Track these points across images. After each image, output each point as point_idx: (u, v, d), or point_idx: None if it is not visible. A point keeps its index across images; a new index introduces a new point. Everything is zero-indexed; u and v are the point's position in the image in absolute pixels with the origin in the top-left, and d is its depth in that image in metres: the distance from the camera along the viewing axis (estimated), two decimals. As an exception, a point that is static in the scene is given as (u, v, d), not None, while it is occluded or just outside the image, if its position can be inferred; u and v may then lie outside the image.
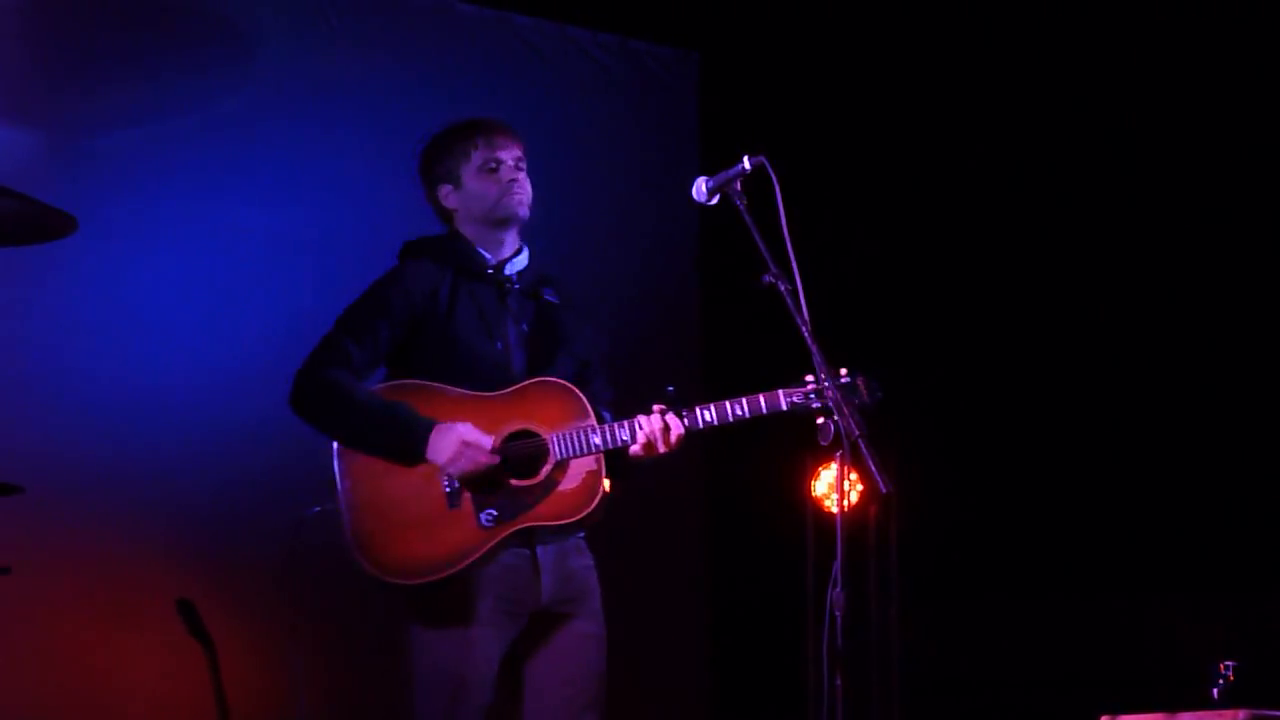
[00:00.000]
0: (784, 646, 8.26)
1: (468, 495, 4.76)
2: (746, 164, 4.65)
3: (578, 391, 4.86)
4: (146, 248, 6.80)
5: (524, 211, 5.02)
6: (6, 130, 6.53)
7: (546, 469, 4.79)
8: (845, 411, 4.40)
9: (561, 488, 4.81)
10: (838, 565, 4.37)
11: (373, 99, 7.38)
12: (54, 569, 6.42)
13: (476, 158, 5.03)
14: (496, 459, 4.74)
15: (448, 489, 4.76)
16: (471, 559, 4.74)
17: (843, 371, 4.65)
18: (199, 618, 6.07)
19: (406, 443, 4.76)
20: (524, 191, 5.03)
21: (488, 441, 4.74)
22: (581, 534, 4.99)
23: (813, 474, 8.06)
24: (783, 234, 4.53)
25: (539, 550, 4.86)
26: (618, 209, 7.97)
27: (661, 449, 4.78)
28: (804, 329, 4.48)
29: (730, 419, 4.79)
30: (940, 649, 8.55)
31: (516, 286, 5.04)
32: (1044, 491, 8.47)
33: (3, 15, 6.56)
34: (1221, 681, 5.80)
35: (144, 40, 6.87)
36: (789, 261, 4.52)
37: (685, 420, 4.79)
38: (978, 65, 8.49)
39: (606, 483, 4.82)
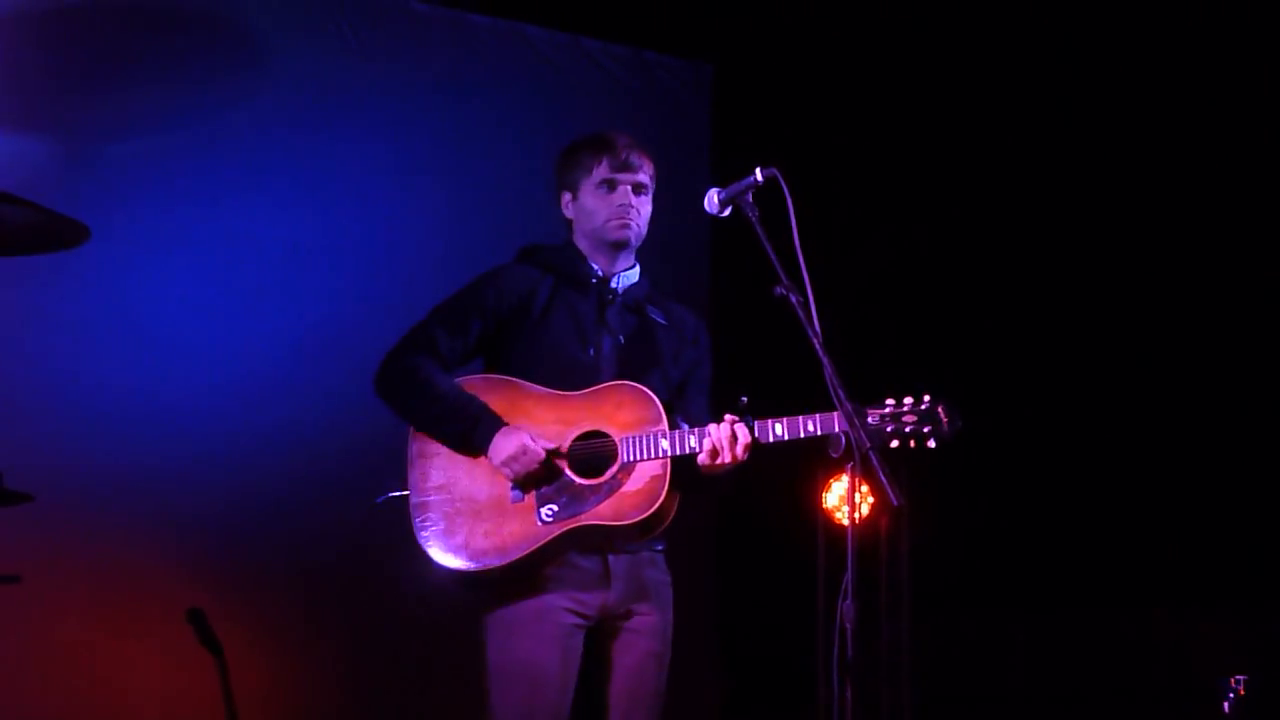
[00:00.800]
0: (795, 658, 8.25)
1: (532, 490, 4.82)
2: (758, 175, 4.66)
3: (654, 396, 4.86)
4: (158, 257, 6.80)
5: (630, 237, 5.06)
6: (20, 139, 6.54)
7: (612, 470, 4.82)
8: (857, 424, 4.40)
9: (625, 489, 4.83)
10: (849, 577, 4.36)
11: (385, 110, 7.39)
12: (64, 577, 6.42)
13: (597, 174, 5.05)
14: (545, 468, 4.80)
15: (513, 482, 4.84)
16: (527, 551, 4.80)
17: (925, 398, 4.69)
18: (209, 626, 6.06)
19: (473, 436, 4.85)
20: (635, 219, 5.06)
21: (542, 450, 4.80)
22: (660, 548, 5.04)
23: (824, 486, 8.06)
24: (794, 246, 4.53)
25: (610, 558, 4.90)
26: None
27: (727, 458, 4.77)
28: (815, 341, 4.47)
29: (801, 434, 4.77)
30: (950, 661, 8.54)
31: (619, 299, 5.07)
32: (1055, 504, 8.46)
33: (16, 25, 6.57)
34: (1232, 696, 5.80)
35: (156, 50, 6.87)
36: (801, 273, 4.52)
37: (755, 432, 4.78)
38: (991, 77, 8.49)
39: (664, 495, 4.82)
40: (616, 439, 4.83)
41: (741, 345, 8.09)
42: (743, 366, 8.01)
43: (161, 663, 6.59)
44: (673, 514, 4.91)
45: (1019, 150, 8.53)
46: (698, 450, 4.78)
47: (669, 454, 4.79)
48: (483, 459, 4.85)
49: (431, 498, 4.87)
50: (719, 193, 4.77)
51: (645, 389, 4.88)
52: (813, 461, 7.60)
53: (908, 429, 4.67)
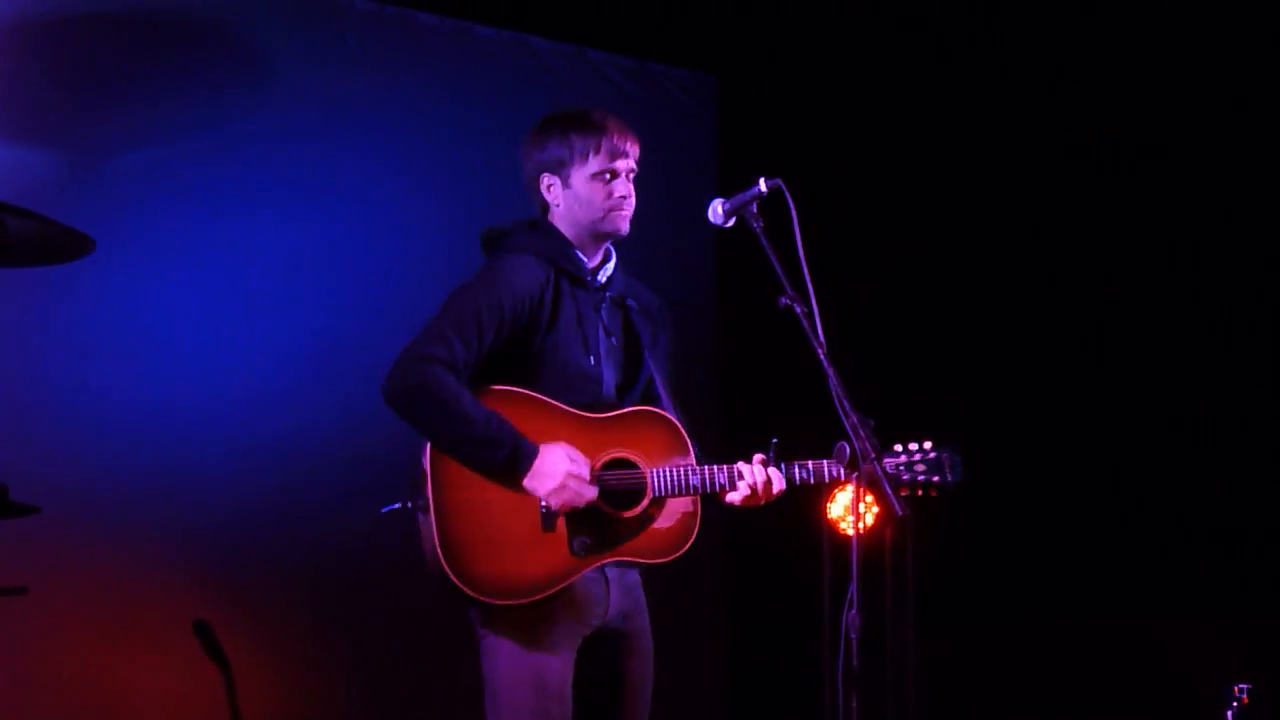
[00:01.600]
0: (800, 668, 8.25)
1: (562, 519, 4.69)
2: (763, 186, 4.65)
3: (681, 428, 4.83)
4: (164, 268, 6.81)
5: (626, 228, 4.95)
6: (26, 151, 6.55)
7: (644, 504, 4.76)
8: (862, 434, 4.40)
9: (657, 525, 4.78)
10: (853, 587, 4.36)
11: (390, 121, 7.40)
12: (70, 589, 6.43)
13: (594, 162, 4.89)
14: (596, 493, 4.68)
15: (544, 510, 4.67)
16: (560, 585, 4.68)
17: (927, 445, 4.70)
18: (215, 638, 6.07)
19: (508, 464, 4.64)
20: (631, 208, 4.94)
21: (588, 475, 4.68)
22: None
23: (828, 496, 8.06)
24: (799, 256, 4.53)
25: (609, 570, 4.83)
26: (634, 230, 7.87)
27: (761, 501, 4.79)
28: (820, 351, 4.47)
29: (826, 479, 4.79)
30: (955, 672, 8.54)
31: (608, 294, 4.97)
32: (1060, 515, 8.46)
33: (21, 36, 6.58)
34: (1235, 705, 5.80)
35: (162, 62, 6.88)
36: (805, 284, 4.52)
37: (785, 472, 4.79)
38: (995, 88, 8.50)
39: None
40: (645, 471, 4.76)
41: (746, 356, 8.11)
42: (748, 377, 8.05)
43: (168, 675, 6.59)
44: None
45: (1024, 161, 8.53)
46: (726, 488, 4.76)
47: (699, 491, 4.76)
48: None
49: (458, 524, 4.64)
50: (723, 203, 4.76)
51: (672, 419, 4.84)
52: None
53: (920, 477, 4.70)
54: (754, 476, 4.76)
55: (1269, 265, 8.25)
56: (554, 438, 4.71)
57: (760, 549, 8.22)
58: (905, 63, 8.51)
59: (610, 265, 5.01)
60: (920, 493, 4.73)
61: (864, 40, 8.41)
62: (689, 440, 4.83)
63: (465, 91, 7.64)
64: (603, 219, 4.91)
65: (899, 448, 4.74)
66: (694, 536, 4.79)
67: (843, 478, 4.72)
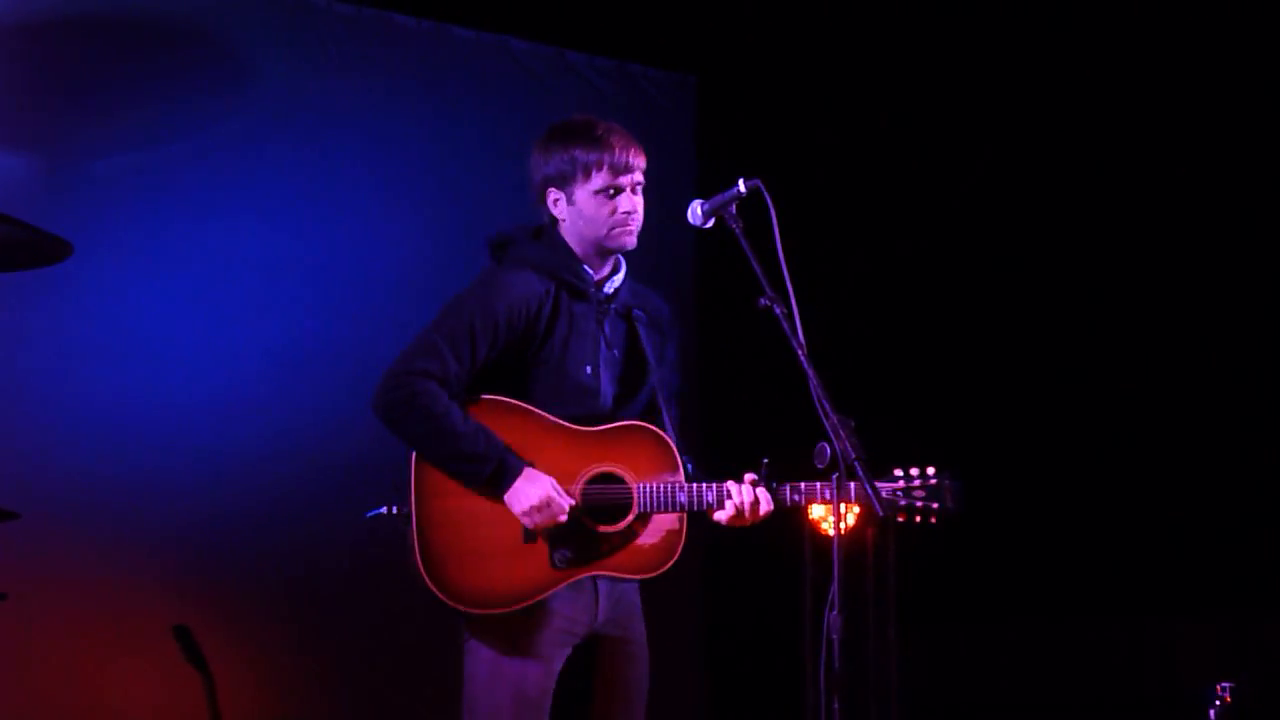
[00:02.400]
0: (781, 669, 8.25)
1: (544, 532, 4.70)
2: (742, 187, 4.63)
3: (671, 444, 4.80)
4: (142, 272, 6.80)
5: (633, 243, 4.90)
6: (3, 155, 6.54)
7: (628, 520, 4.74)
8: (842, 435, 4.39)
9: (640, 541, 4.76)
10: (835, 588, 4.35)
11: (370, 124, 7.39)
12: (50, 595, 6.41)
13: (597, 179, 4.85)
14: (568, 517, 4.67)
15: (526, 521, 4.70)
16: (539, 597, 4.68)
17: (929, 470, 4.71)
18: (196, 644, 6.06)
19: (492, 480, 4.65)
20: (637, 223, 4.89)
21: (568, 503, 4.66)
22: None
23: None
24: (778, 257, 4.52)
25: (598, 581, 4.82)
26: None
27: (748, 521, 4.77)
28: (799, 352, 4.46)
29: (818, 499, 4.77)
30: (937, 672, 8.54)
31: (612, 307, 4.94)
32: (1040, 515, 8.46)
33: (0, 40, 6.56)
34: (1218, 703, 5.80)
35: (140, 66, 6.87)
36: (784, 284, 4.51)
37: (778, 495, 4.77)
38: (974, 89, 8.51)
39: None
40: (632, 486, 4.75)
41: (726, 357, 8.11)
42: (727, 378, 8.05)
43: (148, 680, 6.58)
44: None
45: (1002, 159, 8.54)
46: (714, 506, 4.74)
47: (685, 509, 4.74)
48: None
49: (439, 533, 4.66)
50: (702, 204, 4.75)
51: (662, 434, 4.81)
52: (798, 473, 7.59)
53: (918, 504, 4.69)
54: (741, 497, 4.73)
55: (1241, 267, 8.26)
56: (542, 450, 4.72)
57: (741, 550, 8.21)
58: (885, 63, 8.51)
59: (618, 277, 4.97)
60: (919, 519, 4.72)
61: (843, 41, 8.41)
62: (679, 457, 4.80)
63: (444, 93, 7.64)
64: (607, 235, 4.87)
65: (898, 472, 4.73)
66: (678, 554, 4.77)
67: (835, 499, 4.70)
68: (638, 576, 4.79)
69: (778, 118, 8.45)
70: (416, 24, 7.60)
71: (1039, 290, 8.58)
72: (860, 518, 7.64)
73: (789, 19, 8.32)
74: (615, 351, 4.93)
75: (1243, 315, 8.26)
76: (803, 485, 4.78)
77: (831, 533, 4.45)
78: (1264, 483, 8.04)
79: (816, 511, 8.04)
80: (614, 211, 4.86)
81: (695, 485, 4.75)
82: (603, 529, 4.73)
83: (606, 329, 4.92)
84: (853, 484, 4.46)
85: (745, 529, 4.83)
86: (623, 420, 4.86)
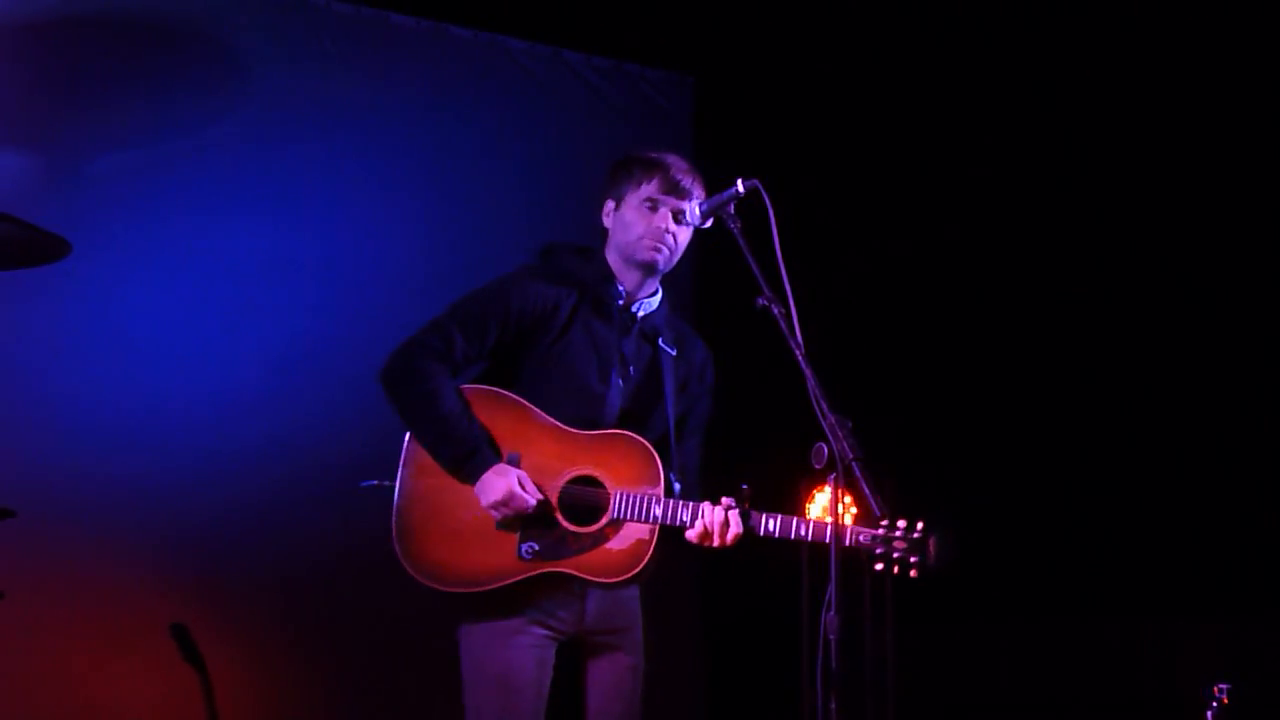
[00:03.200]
0: (779, 670, 8.24)
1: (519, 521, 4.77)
2: (740, 187, 4.65)
3: (657, 457, 4.83)
4: (140, 271, 6.80)
5: (660, 261, 4.97)
6: (1, 154, 6.53)
7: (601, 523, 4.79)
8: (839, 435, 4.40)
9: (610, 545, 4.81)
10: (832, 589, 4.36)
11: (368, 122, 7.39)
12: (47, 593, 6.41)
13: (645, 190, 4.97)
14: (535, 513, 4.74)
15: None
16: (499, 584, 4.75)
17: (918, 526, 4.77)
18: (193, 642, 6.05)
19: (463, 468, 4.76)
20: (671, 245, 4.97)
21: (533, 501, 4.73)
22: None
23: (807, 497, 8.03)
24: (776, 257, 4.53)
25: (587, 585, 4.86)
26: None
27: (716, 543, 4.78)
28: (797, 352, 4.47)
29: (792, 536, 4.83)
30: (935, 672, 8.53)
31: (636, 327, 5.01)
32: (1038, 515, 8.46)
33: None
34: (1215, 705, 5.80)
35: (138, 65, 6.87)
36: (782, 284, 4.52)
37: (750, 522, 4.79)
38: (972, 89, 8.50)
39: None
40: (610, 491, 4.80)
41: (723, 357, 8.10)
42: (726, 377, 8.04)
43: (145, 678, 6.58)
44: (654, 568, 4.86)
45: (1001, 160, 8.54)
46: (687, 524, 4.77)
47: (659, 521, 4.78)
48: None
49: (415, 505, 4.80)
50: (700, 204, 4.78)
51: (649, 447, 4.85)
52: (796, 473, 7.59)
53: (895, 554, 4.72)
54: (711, 516, 4.76)
55: (1237, 269, 8.26)
56: (530, 445, 4.80)
57: (738, 550, 8.21)
58: (882, 63, 8.51)
59: (654, 301, 5.07)
60: (897, 570, 4.73)
61: (840, 41, 8.41)
62: (662, 471, 4.83)
63: (442, 93, 7.63)
64: (636, 243, 4.97)
65: (885, 523, 4.72)
66: (644, 563, 4.80)
67: (809, 539, 4.74)
68: (600, 580, 4.83)
69: (775, 118, 8.45)
70: (415, 23, 7.60)
71: (1038, 290, 8.57)
72: (858, 519, 7.64)
73: (786, 19, 8.32)
74: (631, 369, 5.00)
75: (1244, 316, 8.26)
76: (779, 517, 4.83)
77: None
78: (1263, 484, 8.04)
79: (813, 513, 8.04)
80: (650, 223, 4.95)
81: (671, 501, 4.79)
82: (574, 528, 4.79)
83: (627, 348, 4.99)
84: (841, 531, 4.68)
85: (715, 551, 4.82)
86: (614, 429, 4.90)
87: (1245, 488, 8.12)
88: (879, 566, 4.67)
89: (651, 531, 4.79)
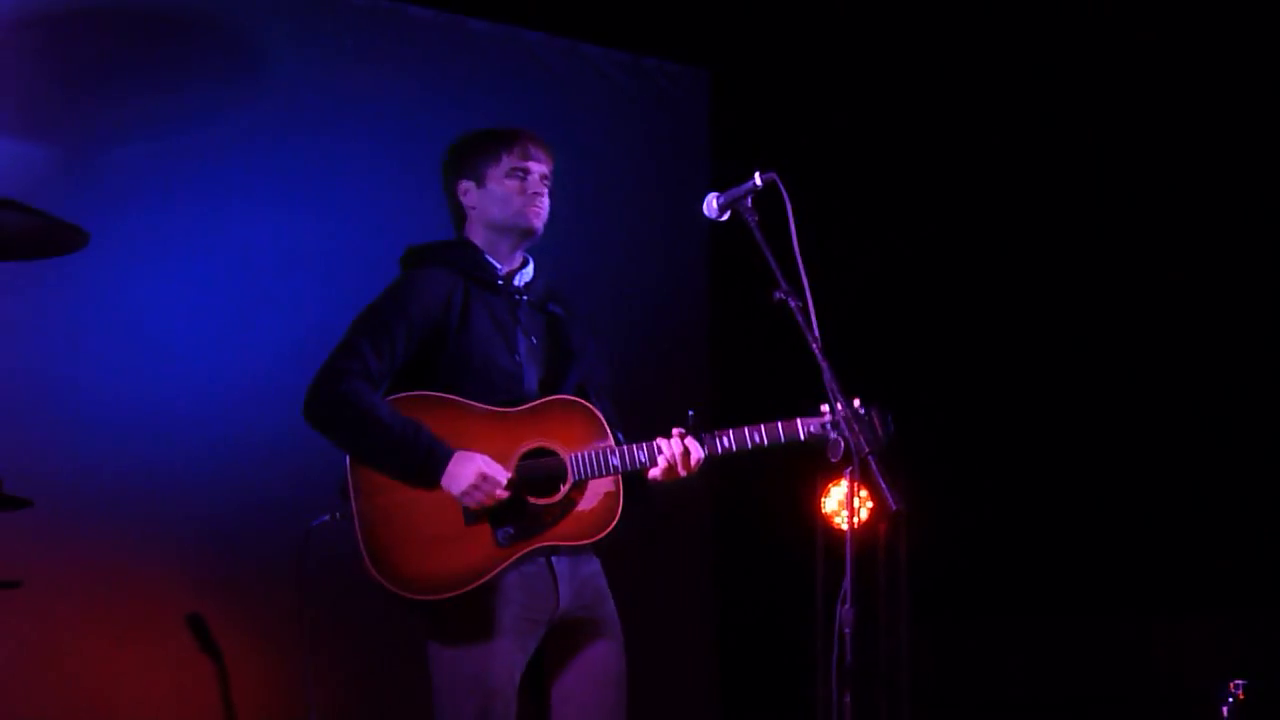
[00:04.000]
0: (793, 663, 8.25)
1: (485, 513, 4.75)
2: (758, 180, 4.66)
3: (597, 411, 4.87)
4: (157, 262, 6.80)
5: (539, 226, 5.01)
6: (18, 144, 6.54)
7: (564, 489, 4.79)
8: (855, 429, 4.40)
9: (580, 508, 4.81)
10: (847, 582, 4.36)
11: (384, 115, 7.39)
12: (63, 583, 6.42)
13: (506, 162, 4.99)
14: (508, 494, 4.73)
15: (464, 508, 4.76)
16: (488, 576, 4.73)
17: (856, 402, 4.63)
18: (209, 632, 6.07)
19: (424, 470, 4.73)
20: (544, 207, 5.01)
21: (503, 477, 4.73)
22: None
23: (822, 491, 8.05)
24: (793, 250, 4.53)
25: (554, 560, 4.86)
26: (628, 225, 7.98)
27: (681, 473, 4.81)
28: (814, 345, 4.48)
29: (749, 445, 4.82)
30: (949, 667, 8.54)
31: (525, 298, 5.03)
32: (1054, 510, 8.46)
33: (16, 30, 6.57)
34: (1231, 700, 5.80)
35: (156, 56, 6.88)
36: (800, 277, 4.52)
37: (705, 446, 4.80)
38: (990, 81, 8.50)
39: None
40: (564, 456, 4.81)
41: (741, 350, 8.11)
42: (742, 371, 8.05)
43: (161, 669, 6.59)
44: (625, 522, 4.87)
45: (1019, 154, 8.53)
46: (647, 464, 4.80)
47: (619, 470, 4.80)
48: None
49: (382, 530, 4.73)
50: (718, 197, 4.77)
51: (588, 404, 4.88)
52: (811, 466, 7.60)
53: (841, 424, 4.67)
54: (671, 449, 4.79)
55: (1252, 260, 8.25)
56: (471, 436, 4.78)
57: (753, 544, 8.23)
58: (899, 55, 8.51)
59: (528, 270, 5.08)
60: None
61: (857, 33, 8.41)
62: (606, 424, 4.86)
63: (459, 86, 7.63)
64: (517, 214, 4.99)
65: (825, 408, 4.69)
66: (618, 516, 4.82)
67: (766, 444, 4.75)
68: (582, 542, 4.83)
69: (792, 111, 8.45)
70: (432, 16, 7.61)
71: (1057, 283, 8.57)
72: (873, 512, 7.65)
73: (803, 12, 8.32)
74: (534, 340, 5.01)
75: (1252, 311, 8.25)
76: (730, 432, 4.83)
77: (844, 527, 4.45)
78: (1276, 476, 8.04)
79: (829, 506, 8.05)
80: (524, 191, 4.98)
81: (627, 446, 4.83)
82: (542, 501, 4.79)
83: (523, 319, 5.01)
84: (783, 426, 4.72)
85: (680, 483, 4.86)
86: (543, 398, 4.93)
87: (1261, 482, 8.11)
88: (831, 437, 4.62)
89: (616, 483, 4.82)
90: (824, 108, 8.52)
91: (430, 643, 4.85)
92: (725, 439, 4.82)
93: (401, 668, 7.13)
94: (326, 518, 4.90)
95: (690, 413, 4.82)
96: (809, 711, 8.02)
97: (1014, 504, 8.45)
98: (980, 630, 8.64)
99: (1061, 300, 8.58)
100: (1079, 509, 8.46)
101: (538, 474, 4.80)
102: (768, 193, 4.65)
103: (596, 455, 4.79)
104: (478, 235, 5.04)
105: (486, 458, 4.73)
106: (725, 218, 4.78)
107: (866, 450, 4.37)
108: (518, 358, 4.93)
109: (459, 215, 5.11)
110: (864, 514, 7.57)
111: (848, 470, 4.43)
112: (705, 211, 4.81)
